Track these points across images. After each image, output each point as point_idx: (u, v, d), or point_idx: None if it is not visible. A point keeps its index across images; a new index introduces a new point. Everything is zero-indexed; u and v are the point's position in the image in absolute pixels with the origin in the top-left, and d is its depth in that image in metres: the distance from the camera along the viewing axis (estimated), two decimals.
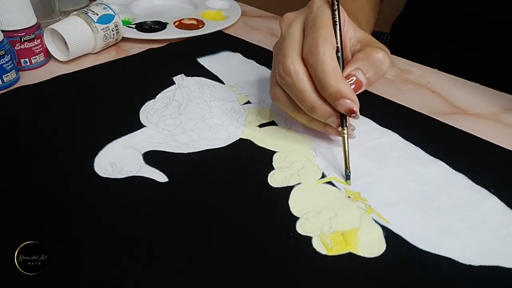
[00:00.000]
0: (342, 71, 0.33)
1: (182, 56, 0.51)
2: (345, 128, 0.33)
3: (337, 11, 0.34)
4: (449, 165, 0.33)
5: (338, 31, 0.33)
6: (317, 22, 0.33)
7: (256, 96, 0.43)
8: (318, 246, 0.27)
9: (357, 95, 0.32)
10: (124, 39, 0.55)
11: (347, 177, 0.32)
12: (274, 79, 0.35)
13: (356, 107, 0.32)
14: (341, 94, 0.31)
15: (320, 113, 0.33)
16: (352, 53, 0.35)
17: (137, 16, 0.61)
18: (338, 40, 0.34)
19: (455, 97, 0.44)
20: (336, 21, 0.33)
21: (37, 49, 0.48)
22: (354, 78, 0.33)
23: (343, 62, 0.34)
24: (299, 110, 0.35)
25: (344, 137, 0.33)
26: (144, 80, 0.45)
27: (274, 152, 0.35)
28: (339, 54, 0.34)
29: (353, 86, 0.32)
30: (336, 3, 0.34)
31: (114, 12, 0.52)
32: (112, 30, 0.51)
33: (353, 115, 0.32)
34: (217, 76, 0.47)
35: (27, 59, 0.47)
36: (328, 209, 0.29)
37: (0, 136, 0.37)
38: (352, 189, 0.31)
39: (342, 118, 0.33)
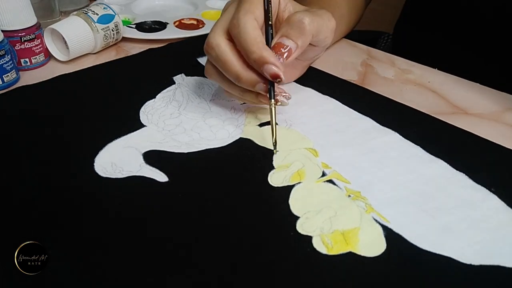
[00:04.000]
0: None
1: (182, 56, 0.51)
2: (272, 100, 0.34)
3: None
4: (450, 164, 0.33)
5: (269, 9, 0.35)
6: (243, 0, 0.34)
7: None
8: (318, 245, 0.27)
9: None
10: (124, 39, 0.55)
11: (274, 146, 0.34)
12: (207, 58, 0.37)
13: (280, 71, 0.33)
14: (265, 59, 0.32)
15: (246, 81, 0.34)
16: None
17: (137, 16, 0.61)
18: (269, 17, 0.35)
19: (455, 97, 0.44)
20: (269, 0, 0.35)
21: (37, 49, 0.48)
22: (283, 45, 0.34)
23: (273, 36, 0.36)
24: (230, 83, 0.36)
25: (271, 108, 0.34)
26: (144, 80, 0.45)
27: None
28: (271, 30, 0.36)
29: (285, 54, 0.34)
30: None
31: (114, 12, 0.52)
32: (112, 30, 0.51)
33: (278, 80, 0.33)
34: None
35: (27, 59, 0.47)
36: (328, 209, 0.29)
37: (0, 136, 0.37)
38: (352, 188, 0.31)
39: (270, 87, 0.34)
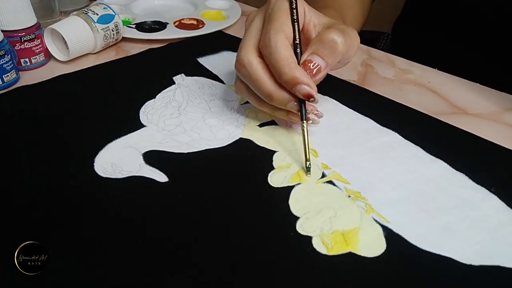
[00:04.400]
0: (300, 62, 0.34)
1: (182, 56, 0.51)
2: (304, 121, 0.34)
3: (294, 4, 0.35)
4: (450, 165, 0.33)
5: (296, 27, 0.35)
6: (272, 15, 0.34)
7: None
8: (318, 246, 0.27)
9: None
10: (124, 39, 0.55)
11: (308, 170, 0.32)
12: (236, 74, 0.37)
13: (313, 91, 0.33)
14: (297, 80, 0.32)
15: (278, 100, 0.34)
16: None
17: (137, 16, 0.61)
18: (297, 35, 0.35)
19: (455, 97, 0.44)
20: (295, 17, 0.35)
21: (37, 49, 0.48)
22: (312, 62, 0.34)
23: (301, 54, 0.35)
24: (261, 100, 0.36)
25: (303, 129, 0.33)
26: (144, 80, 0.45)
27: (274, 151, 0.35)
28: (298, 49, 0.35)
29: (314, 71, 0.34)
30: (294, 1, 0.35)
31: (114, 12, 0.52)
32: (112, 30, 0.51)
33: (312, 99, 0.33)
34: (217, 76, 0.47)
35: (27, 59, 0.47)
36: (328, 209, 0.29)
37: (0, 136, 0.37)
38: (352, 189, 0.31)
39: (301, 106, 0.34)
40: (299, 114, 0.34)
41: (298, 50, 0.35)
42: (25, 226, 0.28)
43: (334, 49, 0.34)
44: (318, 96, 0.33)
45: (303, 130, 0.33)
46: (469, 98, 0.43)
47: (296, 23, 0.35)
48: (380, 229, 0.28)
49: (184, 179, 0.32)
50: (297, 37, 0.35)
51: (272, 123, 0.39)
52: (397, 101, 0.42)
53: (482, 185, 0.32)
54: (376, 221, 0.29)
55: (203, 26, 0.58)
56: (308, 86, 0.32)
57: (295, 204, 0.30)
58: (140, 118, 0.39)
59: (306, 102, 0.34)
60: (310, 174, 0.33)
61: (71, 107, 0.41)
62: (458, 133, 0.37)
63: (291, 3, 0.35)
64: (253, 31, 0.35)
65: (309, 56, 0.34)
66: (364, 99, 0.42)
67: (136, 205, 0.30)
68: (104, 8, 0.51)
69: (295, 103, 0.34)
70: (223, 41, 0.54)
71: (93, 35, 0.49)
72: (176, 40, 0.55)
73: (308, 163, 0.32)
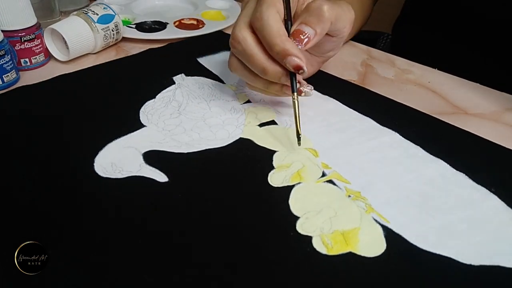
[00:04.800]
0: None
1: (182, 56, 0.51)
2: (295, 93, 0.35)
3: None
4: (450, 164, 0.33)
5: (286, 4, 0.36)
6: None
7: (256, 95, 0.43)
8: (318, 245, 0.27)
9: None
10: (124, 39, 0.55)
11: (298, 139, 0.34)
12: (230, 51, 0.38)
13: (302, 63, 0.33)
14: (287, 52, 0.33)
15: (272, 73, 0.35)
16: None
17: (137, 16, 0.61)
18: (286, 13, 0.36)
19: (455, 97, 0.44)
20: None
21: (37, 49, 0.48)
22: (302, 32, 0.35)
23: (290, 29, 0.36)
24: (255, 76, 0.37)
25: (294, 101, 0.35)
26: (144, 80, 0.45)
27: (274, 151, 0.35)
28: (289, 26, 0.36)
29: (305, 40, 0.34)
30: None
31: (114, 12, 0.52)
32: (112, 30, 0.51)
33: (301, 71, 0.34)
34: (217, 76, 0.47)
35: (27, 59, 0.47)
36: (328, 209, 0.29)
37: (0, 136, 0.37)
38: (352, 188, 0.31)
39: (292, 79, 0.35)
40: (291, 91, 0.35)
41: (289, 27, 0.36)
42: (25, 226, 0.28)
43: (320, 16, 0.34)
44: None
45: (294, 103, 0.35)
46: (469, 98, 0.43)
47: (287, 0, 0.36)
48: (380, 229, 0.28)
49: (184, 179, 0.32)
50: (288, 14, 0.36)
51: (272, 122, 0.39)
52: (397, 101, 0.42)
53: (482, 185, 0.31)
54: (376, 221, 0.29)
55: (203, 26, 0.58)
56: (298, 58, 0.33)
57: (295, 204, 0.30)
58: (140, 118, 0.39)
59: (298, 76, 0.35)
60: (300, 143, 0.34)
61: (71, 107, 0.41)
62: (458, 133, 0.37)
63: None
64: (248, 10, 0.36)
65: (298, 26, 0.35)
66: (364, 99, 0.42)
67: (136, 205, 0.30)
68: (104, 8, 0.51)
69: (288, 76, 0.35)
70: (223, 41, 0.54)
71: (93, 35, 0.49)
72: (176, 40, 0.55)
73: (297, 131, 0.34)
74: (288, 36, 0.35)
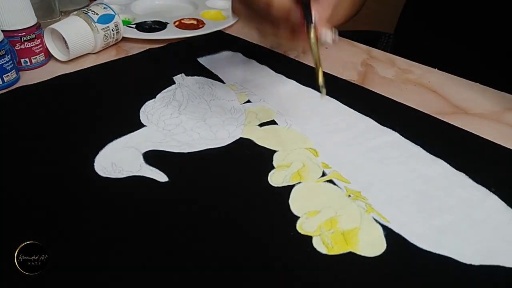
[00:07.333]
0: None
1: (182, 56, 0.51)
2: (311, 24, 0.28)
3: None
4: (450, 164, 0.33)
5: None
6: None
7: (256, 95, 0.43)
8: (319, 245, 0.27)
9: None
10: (124, 39, 0.55)
11: (320, 89, 0.28)
12: None
13: None
14: None
15: (278, 5, 0.31)
16: None
17: (137, 16, 0.61)
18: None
19: (456, 96, 0.44)
20: None
21: (37, 49, 0.48)
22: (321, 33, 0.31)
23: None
24: (261, 18, 0.33)
25: (310, 39, 0.28)
26: (144, 80, 0.45)
27: (275, 151, 0.35)
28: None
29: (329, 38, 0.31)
30: None
31: (114, 12, 0.52)
32: (112, 30, 0.51)
33: None
34: (217, 76, 0.47)
35: (27, 59, 0.47)
36: (328, 209, 0.29)
37: (0, 136, 0.37)
38: (352, 188, 0.31)
39: (306, 12, 0.28)
40: (305, 30, 0.29)
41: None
42: (25, 226, 0.28)
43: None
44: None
45: (310, 42, 0.28)
46: (469, 98, 0.43)
47: None
48: (380, 229, 0.28)
49: (184, 179, 0.32)
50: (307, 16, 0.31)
51: (272, 122, 0.39)
52: (397, 101, 0.42)
53: (482, 185, 0.31)
54: (376, 220, 0.29)
55: (203, 26, 0.58)
56: None
57: (295, 203, 0.30)
58: (140, 118, 0.39)
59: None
60: (325, 92, 0.28)
61: (71, 107, 0.41)
62: (459, 133, 0.37)
63: None
64: None
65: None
66: (364, 99, 0.42)
67: (136, 205, 0.30)
68: (104, 8, 0.51)
69: (299, 12, 0.30)
70: (223, 41, 0.54)
71: (93, 35, 0.49)
72: (176, 40, 0.55)
73: (319, 79, 0.27)
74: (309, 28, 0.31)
